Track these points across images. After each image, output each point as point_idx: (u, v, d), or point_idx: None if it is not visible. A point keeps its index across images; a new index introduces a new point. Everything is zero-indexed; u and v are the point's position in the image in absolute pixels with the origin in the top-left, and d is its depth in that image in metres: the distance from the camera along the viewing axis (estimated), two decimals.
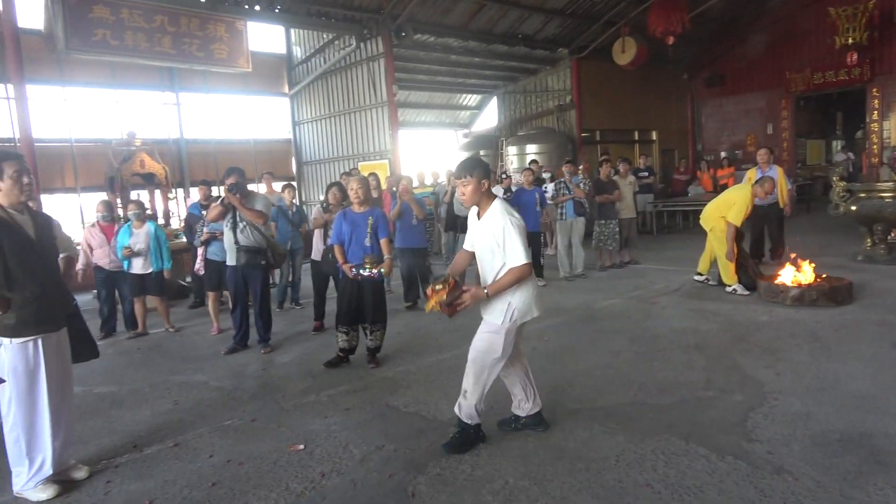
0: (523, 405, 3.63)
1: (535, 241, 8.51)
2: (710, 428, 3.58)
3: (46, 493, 3.27)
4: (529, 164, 11.44)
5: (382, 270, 5.12)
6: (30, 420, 3.25)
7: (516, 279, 3.21)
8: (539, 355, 5.26)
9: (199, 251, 7.28)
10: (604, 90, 15.93)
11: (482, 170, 3.32)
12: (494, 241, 3.27)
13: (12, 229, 3.17)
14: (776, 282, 6.61)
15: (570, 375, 4.68)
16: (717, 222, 7.19)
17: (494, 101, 18.64)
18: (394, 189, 9.82)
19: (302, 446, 3.71)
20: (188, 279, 9.09)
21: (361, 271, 5.05)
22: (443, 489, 3.10)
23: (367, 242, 5.14)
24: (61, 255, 3.57)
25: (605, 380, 4.55)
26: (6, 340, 3.13)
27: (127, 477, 3.48)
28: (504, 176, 11.41)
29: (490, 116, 19.45)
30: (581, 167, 11.03)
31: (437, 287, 3.23)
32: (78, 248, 6.90)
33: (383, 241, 5.21)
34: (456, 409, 3.52)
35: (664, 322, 6.11)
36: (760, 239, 8.78)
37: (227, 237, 5.82)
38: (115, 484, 3.41)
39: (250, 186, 6.02)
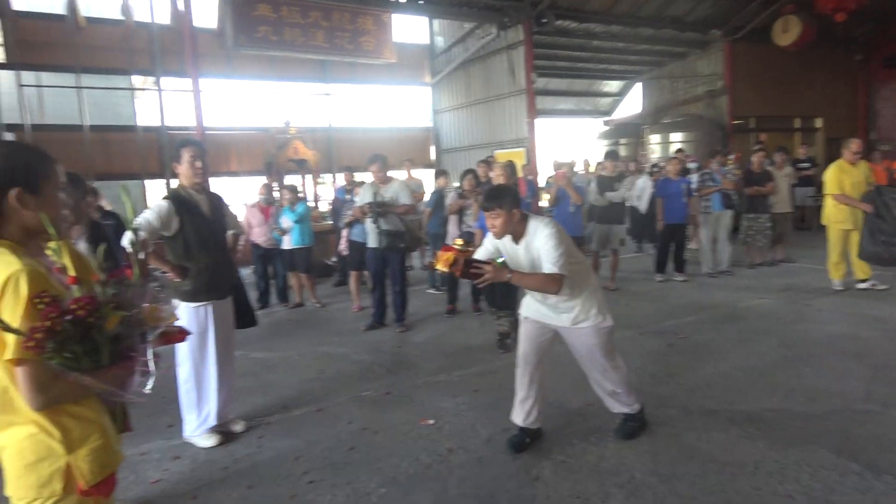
0: (534, 415, 3.50)
1: (679, 233, 8.14)
2: (866, 443, 3.28)
3: (210, 441, 3.70)
4: (675, 153, 10.91)
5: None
6: (200, 375, 3.70)
7: (543, 283, 3.10)
8: (675, 352, 5.08)
9: (344, 233, 7.75)
10: (760, 74, 14.70)
11: (511, 198, 3.16)
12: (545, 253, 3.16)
13: (192, 207, 3.61)
14: None
15: (709, 375, 4.47)
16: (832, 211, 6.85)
17: (637, 87, 17.89)
18: (529, 177, 9.77)
19: (432, 421, 3.88)
20: (333, 259, 9.71)
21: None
22: (567, 476, 3.11)
23: None
24: (229, 232, 4.01)
25: (748, 382, 4.29)
26: (182, 304, 3.57)
27: (276, 434, 3.85)
28: (655, 168, 10.94)
29: (632, 103, 18.71)
30: (732, 157, 10.33)
31: (459, 243, 3.13)
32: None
33: None
34: (616, 409, 3.56)
35: (819, 326, 5.62)
36: None
37: (370, 221, 6.17)
38: (267, 439, 3.78)
39: (391, 173, 6.31)
